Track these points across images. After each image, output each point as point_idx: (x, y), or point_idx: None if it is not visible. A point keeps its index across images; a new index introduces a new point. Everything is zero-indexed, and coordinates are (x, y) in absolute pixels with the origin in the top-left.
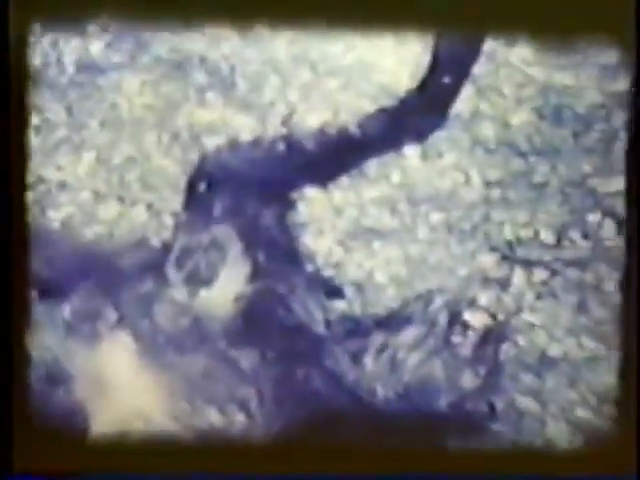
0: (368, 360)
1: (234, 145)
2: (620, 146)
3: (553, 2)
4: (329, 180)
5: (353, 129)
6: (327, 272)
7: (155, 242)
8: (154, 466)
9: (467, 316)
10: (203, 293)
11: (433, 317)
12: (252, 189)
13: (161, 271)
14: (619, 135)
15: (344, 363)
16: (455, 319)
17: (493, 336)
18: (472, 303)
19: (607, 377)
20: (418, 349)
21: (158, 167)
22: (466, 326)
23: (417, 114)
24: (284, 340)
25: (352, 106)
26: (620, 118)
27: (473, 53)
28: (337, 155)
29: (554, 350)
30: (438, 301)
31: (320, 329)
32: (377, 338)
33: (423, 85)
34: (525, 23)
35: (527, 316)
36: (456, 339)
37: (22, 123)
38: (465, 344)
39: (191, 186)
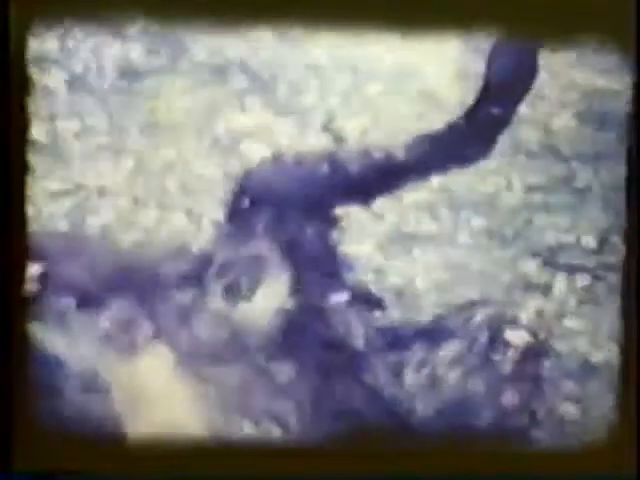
0: (408, 375)
1: (277, 162)
2: None
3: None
4: (371, 200)
5: (398, 152)
6: (367, 278)
7: (195, 249)
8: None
9: (508, 334)
10: (242, 306)
11: (474, 333)
12: (294, 206)
13: (201, 281)
14: None
15: (383, 378)
16: (496, 336)
17: (534, 353)
18: (513, 321)
19: None
20: (458, 365)
21: (198, 173)
22: (507, 344)
23: (463, 142)
24: (323, 354)
25: (392, 111)
26: None
27: (524, 85)
28: (381, 178)
29: (596, 356)
30: (479, 316)
31: (359, 343)
32: (417, 352)
33: (472, 113)
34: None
35: (569, 322)
36: (496, 356)
37: (22, 127)
38: (506, 361)
39: (234, 200)
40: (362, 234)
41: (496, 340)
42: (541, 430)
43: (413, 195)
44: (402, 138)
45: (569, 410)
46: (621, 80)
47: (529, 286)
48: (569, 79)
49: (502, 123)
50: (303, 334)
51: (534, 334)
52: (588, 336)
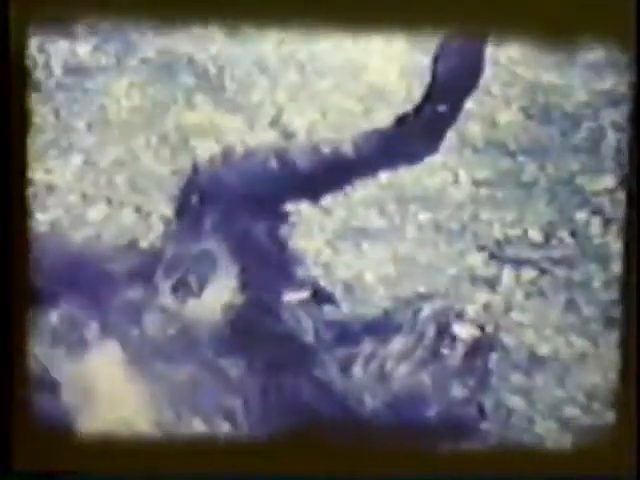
0: (357, 369)
1: (227, 159)
2: (608, 144)
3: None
4: (321, 196)
5: (347, 149)
6: (316, 273)
7: (144, 245)
8: (142, 469)
9: (456, 328)
10: (192, 302)
11: (422, 327)
12: (244, 202)
13: (150, 278)
14: (607, 133)
15: (332, 372)
16: (444, 330)
17: (482, 347)
18: (461, 314)
19: (596, 375)
20: (407, 359)
21: (147, 169)
22: (455, 338)
23: (411, 139)
24: (272, 349)
25: (340, 107)
26: (608, 116)
27: (471, 82)
28: (329, 174)
29: (543, 349)
30: (427, 310)
31: (309, 338)
32: (366, 347)
33: (419, 111)
34: (519, 23)
35: (516, 315)
36: (444, 350)
37: (23, 128)
38: (454, 355)
39: (183, 197)
40: (311, 230)
41: (444, 334)
42: (489, 422)
43: (361, 190)
44: (350, 134)
45: (517, 402)
46: (564, 75)
47: (476, 280)
48: (514, 74)
49: (449, 120)
50: (253, 330)
51: (481, 328)
52: (535, 329)
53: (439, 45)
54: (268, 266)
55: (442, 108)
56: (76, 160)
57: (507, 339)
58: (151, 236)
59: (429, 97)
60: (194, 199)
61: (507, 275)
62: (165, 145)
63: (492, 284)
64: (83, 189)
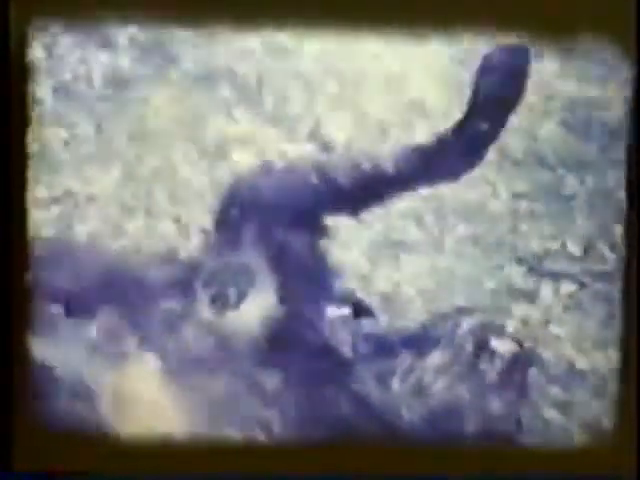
0: (395, 383)
1: (266, 171)
2: None
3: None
4: (360, 209)
5: (386, 164)
6: (355, 286)
7: (183, 257)
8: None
9: (494, 343)
10: (230, 314)
11: (460, 341)
12: (282, 215)
13: (188, 290)
14: None
15: (370, 386)
16: (482, 344)
17: (520, 362)
18: (500, 329)
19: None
20: (445, 373)
21: (186, 181)
22: (493, 352)
23: (452, 156)
24: (310, 362)
25: (380, 120)
26: None
27: (513, 98)
28: (369, 188)
29: (581, 363)
30: (465, 324)
31: (347, 351)
32: (404, 360)
33: (460, 129)
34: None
35: (555, 329)
36: (483, 364)
37: (22, 122)
38: (492, 369)
39: (222, 209)
40: (349, 242)
41: (482, 348)
42: (527, 437)
43: (400, 203)
44: (389, 148)
45: (555, 416)
46: (607, 88)
47: (515, 293)
48: (554, 88)
49: (491, 138)
50: (291, 343)
51: (520, 342)
52: (573, 343)
53: (482, 58)
54: (306, 279)
55: (484, 123)
56: (115, 171)
57: (545, 353)
58: (190, 248)
59: (471, 112)
60: (233, 211)
61: (546, 289)
62: (204, 157)
63: (531, 298)
64: (122, 200)
